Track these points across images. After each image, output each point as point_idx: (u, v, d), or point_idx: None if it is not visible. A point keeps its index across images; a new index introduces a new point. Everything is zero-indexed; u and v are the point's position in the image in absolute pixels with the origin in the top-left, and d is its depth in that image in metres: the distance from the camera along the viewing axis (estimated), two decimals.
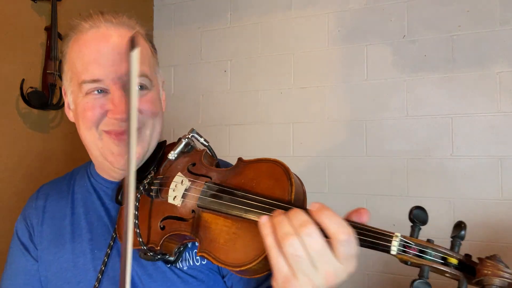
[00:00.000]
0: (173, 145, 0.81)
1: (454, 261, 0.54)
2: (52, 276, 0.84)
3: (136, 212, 0.72)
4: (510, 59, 1.78)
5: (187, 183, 0.71)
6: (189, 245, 0.78)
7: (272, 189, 0.63)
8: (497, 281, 0.49)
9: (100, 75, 0.76)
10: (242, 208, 0.62)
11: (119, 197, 0.82)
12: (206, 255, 0.63)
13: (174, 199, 0.71)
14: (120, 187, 0.83)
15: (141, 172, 0.80)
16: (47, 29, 1.75)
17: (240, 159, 0.71)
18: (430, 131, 1.89)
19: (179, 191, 0.71)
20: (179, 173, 0.74)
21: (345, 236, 0.54)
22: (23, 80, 1.65)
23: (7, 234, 1.62)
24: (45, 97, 1.72)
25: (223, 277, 0.81)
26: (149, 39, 0.90)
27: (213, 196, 0.66)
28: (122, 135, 0.77)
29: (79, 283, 0.81)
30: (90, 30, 0.83)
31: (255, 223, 0.58)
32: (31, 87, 1.68)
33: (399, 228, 2.05)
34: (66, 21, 1.87)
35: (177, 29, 2.47)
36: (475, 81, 1.83)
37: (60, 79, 1.79)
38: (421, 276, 0.51)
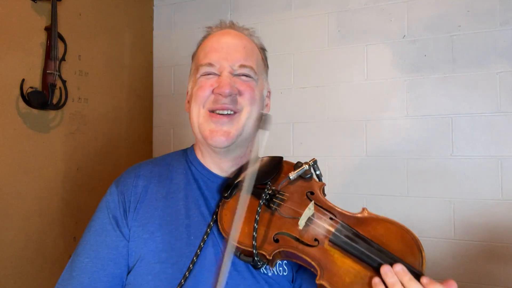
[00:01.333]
0: (290, 164, 0.91)
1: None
2: (146, 254, 0.85)
3: (257, 217, 0.78)
4: (510, 59, 1.78)
5: (312, 211, 0.78)
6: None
7: (404, 254, 0.72)
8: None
9: (214, 60, 0.89)
10: (377, 260, 0.68)
11: (227, 193, 0.85)
12: (326, 285, 0.68)
13: (299, 223, 0.76)
14: (229, 184, 0.88)
15: (261, 178, 0.86)
16: (47, 29, 1.75)
17: (364, 209, 0.79)
18: (430, 131, 1.89)
19: (305, 215, 0.77)
20: (312, 203, 0.80)
21: None
22: (23, 80, 1.65)
23: (8, 234, 1.62)
24: (45, 97, 1.71)
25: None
26: (263, 49, 1.01)
27: (348, 237, 0.72)
28: (220, 116, 0.86)
29: (173, 265, 0.83)
30: (216, 31, 0.96)
31: (373, 271, 0.67)
32: (31, 87, 1.69)
33: None
34: (66, 21, 1.88)
35: (177, 29, 2.47)
36: (475, 81, 1.83)
37: (60, 79, 1.79)
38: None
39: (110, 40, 2.18)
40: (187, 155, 0.99)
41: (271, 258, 0.75)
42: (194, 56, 0.99)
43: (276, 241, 0.76)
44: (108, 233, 0.88)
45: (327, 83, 2.09)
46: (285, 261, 0.88)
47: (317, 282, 0.70)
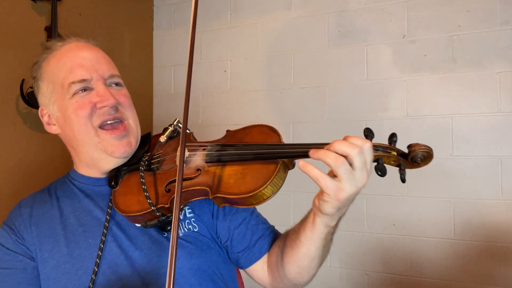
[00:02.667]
0: (158, 135, 0.99)
1: (394, 152, 0.78)
2: (51, 270, 0.89)
3: (143, 180, 0.88)
4: (510, 59, 1.78)
5: (187, 152, 0.88)
6: (180, 217, 0.92)
7: (265, 139, 0.84)
8: (419, 153, 0.74)
9: (86, 75, 0.90)
10: (249, 153, 0.79)
11: (112, 183, 0.93)
12: (219, 195, 0.78)
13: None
14: (112, 174, 0.95)
15: (134, 157, 0.95)
16: (47, 29, 1.75)
17: (228, 130, 0.91)
18: (430, 131, 1.89)
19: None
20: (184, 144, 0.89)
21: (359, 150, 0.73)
22: (23, 80, 1.65)
23: None
24: None
25: (222, 243, 0.96)
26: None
27: (218, 151, 0.84)
28: (116, 129, 0.91)
29: (77, 271, 0.87)
30: (62, 46, 0.96)
31: (258, 163, 0.78)
32: (31, 87, 1.67)
33: (400, 228, 2.05)
34: (66, 21, 1.88)
35: (177, 29, 2.47)
36: (475, 81, 1.83)
37: None
38: (378, 164, 0.75)
39: (110, 40, 2.18)
40: (69, 175, 1.03)
41: (169, 204, 0.83)
42: (41, 77, 0.96)
43: (168, 191, 0.85)
44: (10, 262, 0.91)
45: (327, 83, 2.09)
46: (193, 218, 0.94)
47: (211, 198, 0.80)
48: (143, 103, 2.43)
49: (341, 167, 0.69)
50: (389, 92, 1.97)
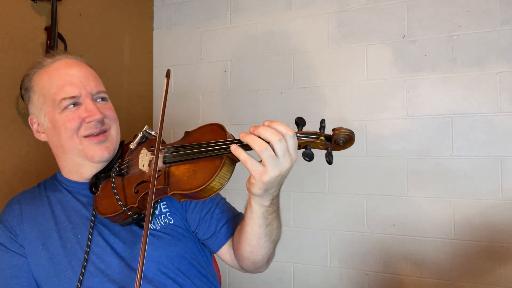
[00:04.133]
0: (130, 143, 1.06)
1: (322, 138, 0.84)
2: (45, 262, 0.98)
3: (113, 185, 0.99)
4: (510, 59, 1.78)
5: (149, 155, 0.99)
6: (156, 212, 1.03)
7: (215, 137, 0.89)
8: (341, 135, 0.81)
9: (75, 92, 1.00)
10: (197, 151, 0.87)
11: (93, 189, 1.04)
12: (176, 192, 0.87)
13: (143, 166, 0.98)
14: (91, 182, 1.05)
15: (110, 165, 1.07)
16: (47, 29, 1.75)
17: (186, 131, 0.99)
18: (430, 131, 1.89)
19: (145, 161, 0.99)
20: (143, 150, 1.01)
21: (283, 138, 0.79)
22: (23, 80, 1.65)
23: None
24: None
25: (193, 231, 1.07)
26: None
27: (173, 152, 0.92)
28: (98, 137, 1.02)
29: (70, 261, 0.97)
30: (53, 63, 1.05)
31: (206, 159, 0.86)
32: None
33: (400, 228, 2.05)
34: (66, 21, 1.88)
35: (177, 29, 2.47)
36: (475, 81, 1.83)
37: None
38: (306, 150, 0.79)
39: (110, 40, 2.18)
40: (56, 177, 1.13)
41: (137, 204, 0.93)
42: (32, 89, 1.05)
43: (136, 192, 0.95)
44: (4, 258, 1.00)
45: (327, 83, 2.09)
46: (168, 212, 1.05)
47: (170, 195, 0.88)
48: (143, 103, 2.43)
49: (264, 152, 0.75)
50: (389, 92, 1.97)
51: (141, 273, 0.74)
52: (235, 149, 0.78)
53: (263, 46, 2.24)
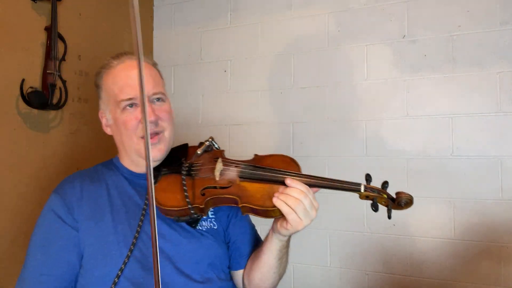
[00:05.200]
0: (195, 147, 1.18)
1: (385, 195, 1.04)
2: (96, 240, 1.04)
3: (184, 182, 1.06)
4: (510, 59, 1.78)
5: (222, 166, 1.09)
6: (204, 217, 1.12)
7: (287, 168, 1.05)
8: (403, 199, 1.01)
9: (132, 94, 1.07)
10: (273, 175, 1.03)
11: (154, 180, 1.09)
12: (247, 205, 0.99)
13: (216, 173, 1.07)
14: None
15: (173, 162, 1.13)
16: (47, 29, 1.75)
17: (256, 154, 1.14)
18: (430, 131, 1.89)
19: (218, 170, 1.08)
20: (219, 160, 1.11)
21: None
22: (23, 80, 1.65)
23: (8, 234, 1.62)
24: (45, 97, 1.71)
25: (227, 241, 1.20)
26: (156, 65, 1.21)
27: (250, 170, 1.06)
28: (152, 139, 1.09)
29: (119, 243, 1.03)
30: (118, 65, 1.13)
31: (280, 185, 1.01)
32: (31, 87, 1.69)
33: (399, 227, 2.05)
34: (66, 21, 1.88)
35: (177, 29, 2.47)
36: (475, 81, 1.83)
37: (60, 79, 1.79)
38: (375, 203, 1.02)
39: (110, 40, 2.18)
40: (113, 163, 1.21)
41: (203, 206, 1.02)
42: (101, 87, 1.15)
43: (203, 194, 1.04)
44: (57, 229, 1.05)
45: (327, 83, 2.09)
46: (214, 218, 1.17)
47: (240, 206, 1.00)
48: None
49: (297, 207, 0.95)
50: (389, 92, 1.97)
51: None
52: (280, 205, 0.96)
53: (263, 46, 2.24)
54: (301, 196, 0.96)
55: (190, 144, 1.23)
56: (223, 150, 1.18)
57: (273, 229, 1.06)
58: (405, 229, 1.91)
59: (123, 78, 1.09)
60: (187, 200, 1.02)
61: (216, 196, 1.03)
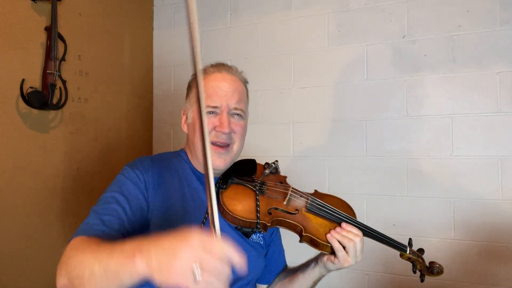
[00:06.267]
0: (260, 164, 1.25)
1: (422, 262, 1.20)
2: (163, 222, 1.06)
3: (258, 197, 1.12)
4: (510, 59, 1.78)
5: (295, 196, 1.17)
6: (257, 234, 1.20)
7: (346, 212, 1.18)
8: (436, 268, 1.18)
9: (217, 103, 1.14)
10: (336, 217, 1.14)
11: (222, 184, 1.15)
12: (309, 235, 1.09)
13: (285, 200, 1.15)
14: (223, 177, 1.17)
15: (244, 173, 1.19)
16: (47, 29, 1.75)
17: (316, 190, 1.24)
18: (430, 131, 1.89)
19: (287, 196, 1.16)
20: (291, 188, 1.18)
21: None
22: (23, 80, 1.65)
23: (8, 234, 1.62)
24: (45, 97, 1.72)
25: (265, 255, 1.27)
26: (246, 83, 1.27)
27: (318, 205, 1.15)
28: (221, 148, 1.13)
29: (191, 222, 1.08)
30: (214, 73, 1.21)
31: (334, 223, 1.13)
32: (31, 87, 1.69)
33: (399, 227, 2.05)
34: (66, 21, 1.88)
35: (177, 29, 2.47)
36: (475, 81, 1.83)
37: (60, 79, 1.79)
38: (414, 266, 1.19)
39: (110, 40, 2.18)
40: (183, 157, 1.23)
41: (269, 224, 1.09)
42: (192, 88, 1.22)
43: (270, 213, 1.10)
44: (132, 186, 1.05)
45: (327, 83, 2.09)
46: (262, 234, 1.22)
47: (303, 234, 1.09)
48: (143, 103, 2.43)
49: (351, 247, 1.06)
50: (389, 92, 1.97)
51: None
52: (333, 242, 1.08)
53: (263, 46, 2.24)
54: (357, 239, 1.07)
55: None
56: (286, 176, 1.26)
57: (317, 261, 1.17)
58: (405, 229, 1.91)
59: (214, 87, 1.15)
60: (258, 214, 1.08)
61: (282, 219, 1.10)
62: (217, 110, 1.14)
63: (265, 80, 2.22)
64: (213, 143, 1.13)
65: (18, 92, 1.64)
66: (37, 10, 1.74)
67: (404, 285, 1.91)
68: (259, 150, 2.18)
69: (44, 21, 1.76)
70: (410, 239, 1.23)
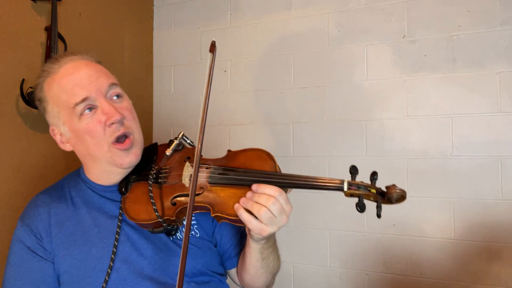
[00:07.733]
0: (164, 146, 1.05)
1: (373, 190, 0.91)
2: (69, 267, 0.97)
3: (151, 194, 0.95)
4: (510, 59, 1.78)
5: (191, 169, 0.95)
6: (184, 223, 1.00)
7: (262, 166, 0.93)
8: (395, 194, 0.90)
9: (85, 94, 0.94)
10: (245, 179, 0.90)
11: (123, 189, 1.01)
12: (220, 215, 0.89)
13: (185, 180, 0.96)
14: (122, 181, 1.02)
15: (142, 167, 1.02)
16: (47, 29, 1.75)
17: (229, 150, 0.99)
18: (430, 131, 1.89)
19: (187, 176, 0.96)
20: (187, 163, 0.98)
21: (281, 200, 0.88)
22: (23, 80, 1.65)
23: (7, 234, 1.62)
24: None
25: (215, 245, 1.11)
26: (100, 63, 1.07)
27: (221, 174, 0.93)
28: (124, 144, 0.98)
29: (94, 267, 0.96)
30: (60, 68, 0.99)
31: (247, 188, 0.89)
32: (31, 87, 1.68)
33: (399, 227, 2.05)
34: (66, 21, 1.88)
35: (177, 29, 2.47)
36: (475, 81, 1.83)
37: None
38: (361, 201, 0.89)
39: (110, 40, 2.18)
40: (80, 176, 1.09)
41: (175, 217, 0.93)
42: (45, 100, 1.00)
43: (174, 204, 0.94)
44: (29, 261, 0.98)
45: (327, 83, 2.09)
46: (196, 225, 1.07)
47: (212, 216, 0.90)
48: (143, 103, 2.43)
49: (263, 215, 0.85)
50: (389, 92, 1.97)
51: (181, 283, 0.78)
52: (237, 208, 0.87)
53: (263, 46, 2.24)
54: (268, 203, 0.84)
55: (160, 143, 1.12)
56: (194, 147, 1.03)
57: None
58: (405, 229, 1.91)
59: (71, 80, 0.95)
60: (156, 213, 0.93)
61: (186, 206, 0.90)
62: (92, 102, 0.95)
63: (265, 80, 2.22)
64: (114, 143, 0.97)
65: (18, 92, 1.64)
66: (37, 10, 1.74)
67: (404, 285, 1.91)
68: None
69: (44, 21, 1.76)
70: (352, 166, 0.95)
